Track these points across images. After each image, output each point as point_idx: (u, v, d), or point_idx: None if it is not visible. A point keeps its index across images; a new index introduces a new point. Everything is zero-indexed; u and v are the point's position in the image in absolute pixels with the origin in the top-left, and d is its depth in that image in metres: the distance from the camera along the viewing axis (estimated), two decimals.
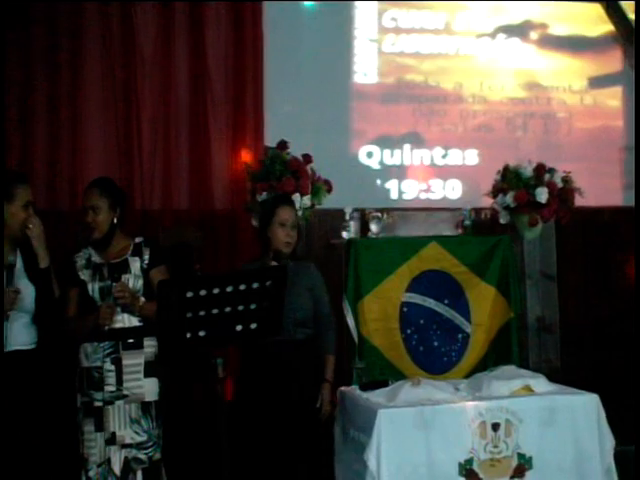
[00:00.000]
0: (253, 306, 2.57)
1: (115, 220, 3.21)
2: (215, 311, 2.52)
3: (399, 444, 3.10)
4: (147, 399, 3.17)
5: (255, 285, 2.57)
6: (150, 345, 3.19)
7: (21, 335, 3.01)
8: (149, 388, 3.18)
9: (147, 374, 3.18)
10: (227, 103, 4.80)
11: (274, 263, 3.29)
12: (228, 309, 2.54)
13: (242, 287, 2.54)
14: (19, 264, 3.03)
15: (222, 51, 4.80)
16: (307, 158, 4.22)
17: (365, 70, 5.20)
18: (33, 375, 3.04)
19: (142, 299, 3.18)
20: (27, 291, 3.00)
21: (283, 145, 4.23)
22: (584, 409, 3.36)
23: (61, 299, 3.12)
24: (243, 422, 3.22)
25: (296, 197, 4.06)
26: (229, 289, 2.52)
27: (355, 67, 5.17)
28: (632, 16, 5.41)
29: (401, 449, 3.10)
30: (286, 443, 3.19)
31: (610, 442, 3.36)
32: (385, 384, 3.47)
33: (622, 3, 5.42)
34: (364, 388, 3.47)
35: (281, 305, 2.72)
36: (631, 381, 3.74)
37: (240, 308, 2.55)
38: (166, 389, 3.25)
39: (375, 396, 3.37)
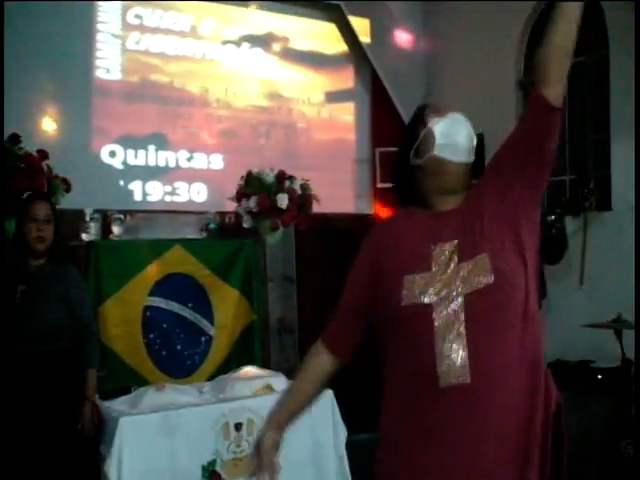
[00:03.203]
0: None
1: None
2: None
3: (142, 452, 3.02)
4: None
5: None
6: None
7: None
8: None
9: None
10: None
11: (36, 263, 3.14)
12: None
13: None
14: None
15: None
16: (42, 154, 3.95)
17: (108, 66, 5.01)
18: None
19: None
20: None
21: (15, 139, 3.92)
22: (319, 403, 3.54)
23: None
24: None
25: None
26: None
27: (98, 62, 4.96)
28: (363, 38, 5.87)
29: (144, 457, 3.02)
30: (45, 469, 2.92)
31: (343, 433, 3.59)
32: (128, 391, 3.37)
33: (353, 25, 5.83)
34: (105, 397, 3.33)
35: None
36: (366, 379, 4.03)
37: None
38: None
39: (117, 404, 3.27)
